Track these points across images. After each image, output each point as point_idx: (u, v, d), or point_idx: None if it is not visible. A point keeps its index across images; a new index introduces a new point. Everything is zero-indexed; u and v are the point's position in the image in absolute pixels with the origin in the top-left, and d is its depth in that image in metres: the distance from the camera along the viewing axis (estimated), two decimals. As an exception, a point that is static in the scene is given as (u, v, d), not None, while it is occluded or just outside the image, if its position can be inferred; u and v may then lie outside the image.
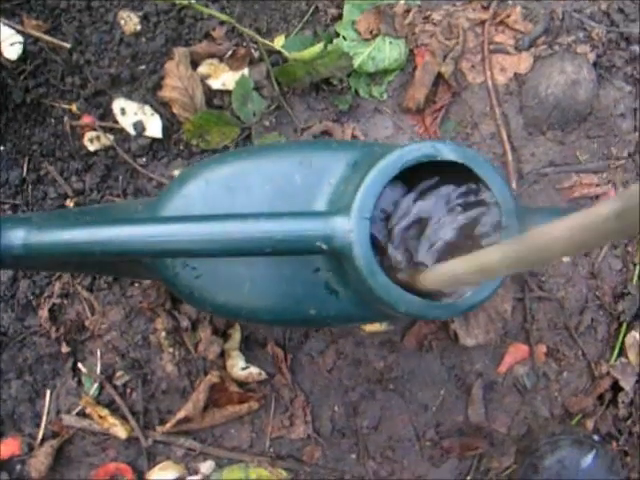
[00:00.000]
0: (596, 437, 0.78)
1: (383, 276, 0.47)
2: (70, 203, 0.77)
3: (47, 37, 0.76)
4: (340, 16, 0.79)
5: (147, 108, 0.77)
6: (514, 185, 0.79)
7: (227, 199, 0.54)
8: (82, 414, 0.77)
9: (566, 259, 0.80)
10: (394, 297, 0.47)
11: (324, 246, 0.47)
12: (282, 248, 0.47)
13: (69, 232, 0.48)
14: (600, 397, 0.80)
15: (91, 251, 0.48)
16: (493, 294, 0.49)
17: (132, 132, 0.77)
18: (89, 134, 0.77)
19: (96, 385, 0.77)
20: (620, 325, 0.80)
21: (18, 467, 0.76)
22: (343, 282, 0.53)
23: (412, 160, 0.48)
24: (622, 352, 0.80)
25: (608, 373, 0.79)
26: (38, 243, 0.48)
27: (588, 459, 0.74)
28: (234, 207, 0.54)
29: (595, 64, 0.81)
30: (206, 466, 0.78)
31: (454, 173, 0.50)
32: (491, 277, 0.44)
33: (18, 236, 0.48)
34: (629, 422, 0.79)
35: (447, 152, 0.48)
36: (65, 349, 0.77)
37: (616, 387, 0.80)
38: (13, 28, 0.75)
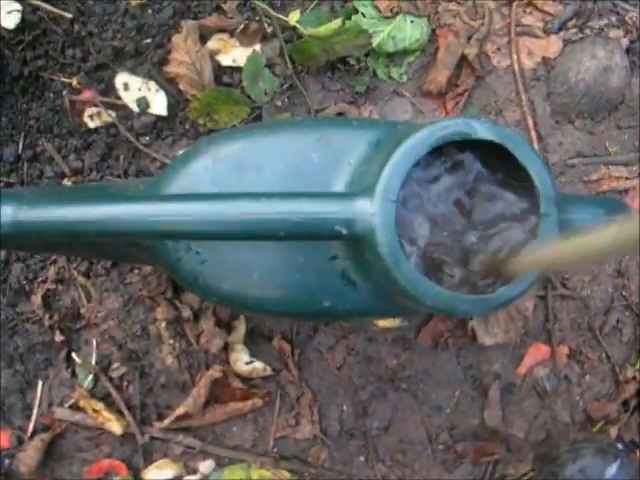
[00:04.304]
0: (620, 445, 0.73)
1: (409, 266, 0.42)
2: (68, 182, 0.73)
3: (47, 6, 0.71)
4: (359, -8, 0.75)
5: (152, 84, 0.73)
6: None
7: (237, 178, 0.50)
8: (75, 407, 0.73)
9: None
10: (420, 289, 0.43)
11: (344, 231, 0.42)
12: (297, 232, 0.42)
13: (62, 209, 0.44)
14: (625, 403, 0.76)
15: (86, 231, 0.43)
16: (528, 290, 0.45)
17: (135, 109, 0.73)
18: (89, 110, 0.73)
19: (91, 377, 0.73)
20: (647, 327, 0.76)
21: (7, 461, 0.72)
22: (362, 272, 0.48)
23: (442, 138, 0.43)
24: (649, 356, 0.76)
25: (634, 378, 0.75)
26: (28, 221, 0.43)
27: (612, 469, 0.70)
28: (244, 187, 0.49)
29: (628, 50, 0.77)
30: (206, 465, 0.74)
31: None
32: (595, 262, 0.41)
33: (6, 213, 0.43)
34: (655, 430, 0.75)
35: (482, 130, 0.44)
36: (59, 338, 0.73)
37: (642, 393, 0.75)
38: (11, -5, 0.70)
